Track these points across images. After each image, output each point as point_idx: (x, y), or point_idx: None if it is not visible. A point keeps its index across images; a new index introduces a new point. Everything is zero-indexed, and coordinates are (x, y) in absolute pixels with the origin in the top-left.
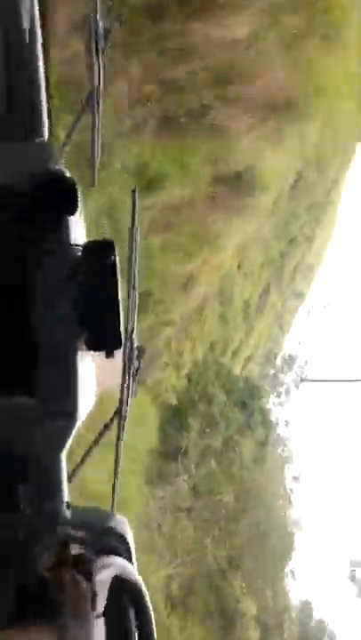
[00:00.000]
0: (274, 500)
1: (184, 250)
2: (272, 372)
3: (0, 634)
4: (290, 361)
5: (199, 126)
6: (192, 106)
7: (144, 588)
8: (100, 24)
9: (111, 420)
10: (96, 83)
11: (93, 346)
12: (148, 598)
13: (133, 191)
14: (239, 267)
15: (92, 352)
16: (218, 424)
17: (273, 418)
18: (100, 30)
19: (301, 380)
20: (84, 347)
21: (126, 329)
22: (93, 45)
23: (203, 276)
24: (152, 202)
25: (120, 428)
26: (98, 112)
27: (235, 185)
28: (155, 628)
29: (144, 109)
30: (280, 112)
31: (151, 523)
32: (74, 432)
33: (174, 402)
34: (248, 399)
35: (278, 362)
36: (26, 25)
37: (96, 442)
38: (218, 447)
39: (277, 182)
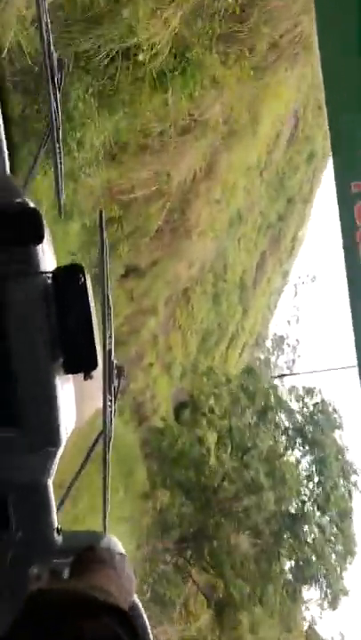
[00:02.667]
0: None
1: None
2: (262, 356)
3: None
4: (280, 342)
5: None
6: None
7: (141, 608)
8: (55, 55)
9: (96, 440)
10: (53, 114)
11: (70, 369)
12: (144, 615)
13: (100, 212)
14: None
15: (70, 375)
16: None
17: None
18: (55, 63)
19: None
20: (61, 371)
21: (104, 348)
22: (49, 78)
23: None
24: None
25: (106, 448)
26: (58, 142)
27: None
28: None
29: None
30: None
31: None
32: (58, 458)
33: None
34: (314, 433)
35: (268, 344)
36: None
37: (83, 466)
38: (265, 534)
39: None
